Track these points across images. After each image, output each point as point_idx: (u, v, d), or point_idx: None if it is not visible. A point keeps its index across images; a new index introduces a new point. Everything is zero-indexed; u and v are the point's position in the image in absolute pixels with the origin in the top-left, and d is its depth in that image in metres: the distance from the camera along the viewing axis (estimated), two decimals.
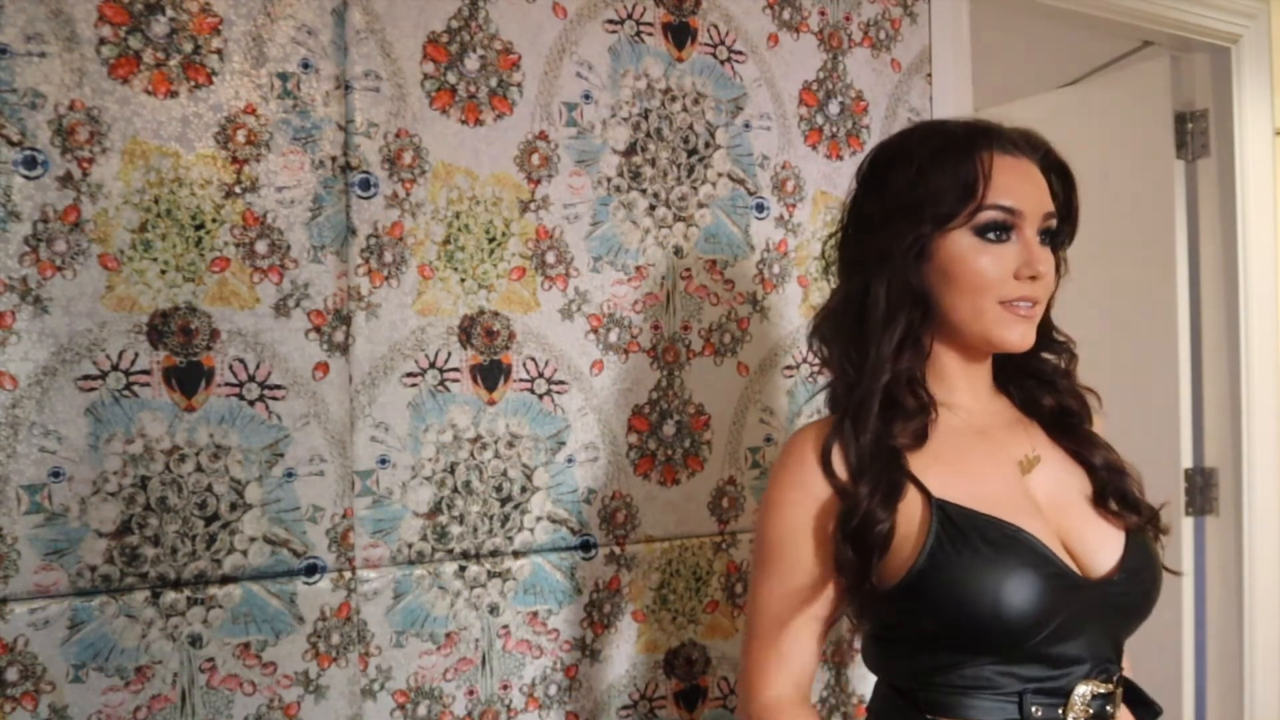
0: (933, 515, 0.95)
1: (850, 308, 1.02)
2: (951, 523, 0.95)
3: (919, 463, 0.99)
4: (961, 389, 1.05)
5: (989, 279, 0.98)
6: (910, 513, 0.96)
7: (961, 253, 0.98)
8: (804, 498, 1.00)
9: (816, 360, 1.09)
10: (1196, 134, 2.16)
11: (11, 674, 1.02)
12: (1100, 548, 0.99)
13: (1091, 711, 0.95)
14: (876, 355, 0.99)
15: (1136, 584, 0.99)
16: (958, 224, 0.97)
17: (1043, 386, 1.09)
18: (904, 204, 0.99)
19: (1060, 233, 1.05)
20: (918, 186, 0.98)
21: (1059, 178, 1.04)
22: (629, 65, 1.38)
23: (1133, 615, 1.00)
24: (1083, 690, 0.95)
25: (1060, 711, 0.94)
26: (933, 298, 1.00)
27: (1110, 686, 0.97)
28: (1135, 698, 1.03)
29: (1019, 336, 0.99)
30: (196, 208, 1.11)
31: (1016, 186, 0.98)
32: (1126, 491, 1.04)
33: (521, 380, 1.30)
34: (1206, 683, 2.16)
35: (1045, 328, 1.07)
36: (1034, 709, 0.94)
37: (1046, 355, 1.09)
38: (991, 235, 0.98)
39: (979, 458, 1.01)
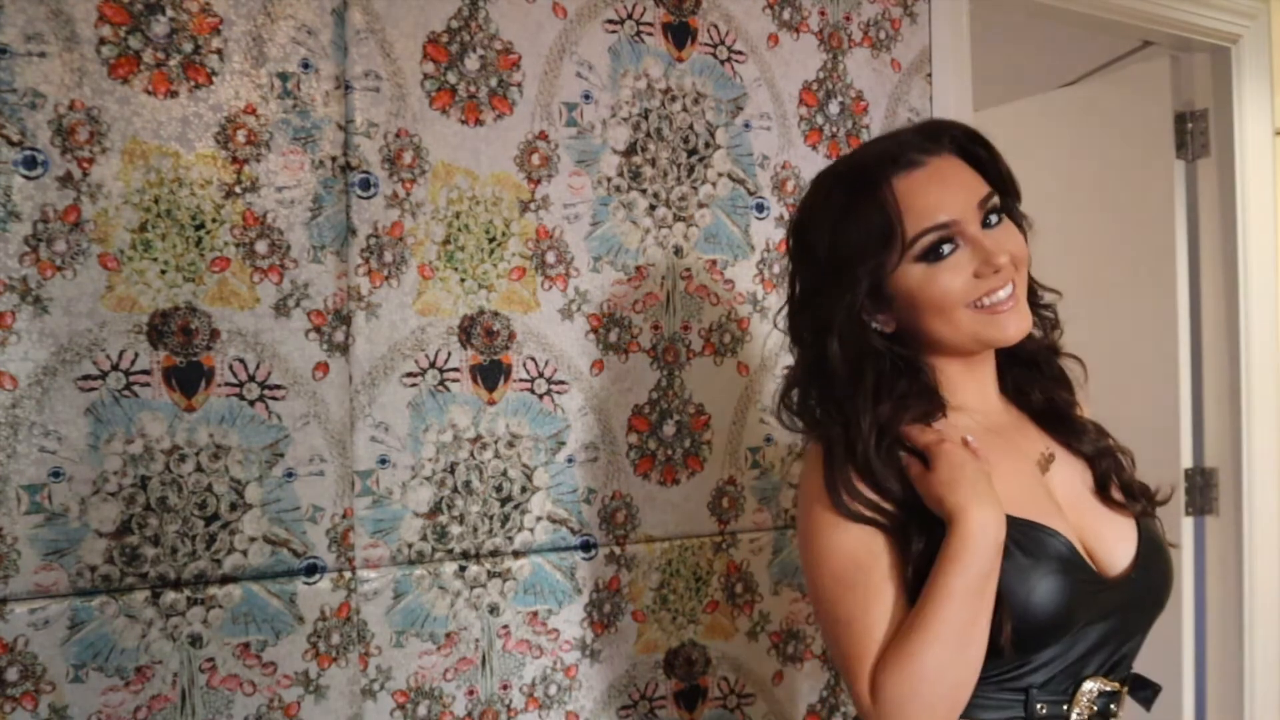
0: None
1: (812, 373, 1.01)
2: None
3: None
4: (968, 391, 1.04)
5: (953, 294, 0.95)
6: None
7: (917, 283, 0.96)
8: (846, 526, 0.96)
9: (784, 426, 1.07)
10: (1196, 134, 2.16)
11: (11, 674, 1.02)
12: (1117, 544, 0.99)
13: (1096, 709, 0.95)
14: (856, 412, 0.96)
15: (1152, 578, 0.99)
16: (894, 265, 0.95)
17: (1030, 374, 1.08)
18: (832, 269, 0.97)
19: (1007, 201, 1.01)
20: (839, 248, 0.96)
21: (980, 146, 1.00)
22: (629, 65, 1.38)
23: (1150, 609, 1.00)
24: (1089, 687, 0.95)
25: (1065, 708, 0.95)
26: (910, 327, 0.99)
27: (1117, 685, 0.97)
28: (1136, 682, 1.03)
29: (1014, 330, 0.97)
30: (196, 208, 1.11)
31: (936, 198, 0.94)
32: (1123, 476, 1.04)
33: (521, 380, 1.30)
34: (1206, 683, 2.16)
35: (1030, 298, 1.04)
36: (1039, 706, 0.94)
37: (1033, 334, 1.05)
38: (938, 254, 0.95)
39: (999, 458, 0.99)
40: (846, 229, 0.96)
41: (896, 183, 0.95)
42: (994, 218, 0.97)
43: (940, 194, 0.95)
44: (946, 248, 0.95)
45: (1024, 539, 0.93)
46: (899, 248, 0.94)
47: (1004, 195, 1.00)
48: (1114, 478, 1.03)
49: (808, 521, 0.99)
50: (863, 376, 0.97)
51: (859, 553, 0.95)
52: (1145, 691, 1.02)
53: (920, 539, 0.93)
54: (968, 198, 0.95)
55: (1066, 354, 1.09)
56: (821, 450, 0.99)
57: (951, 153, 0.98)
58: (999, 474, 0.97)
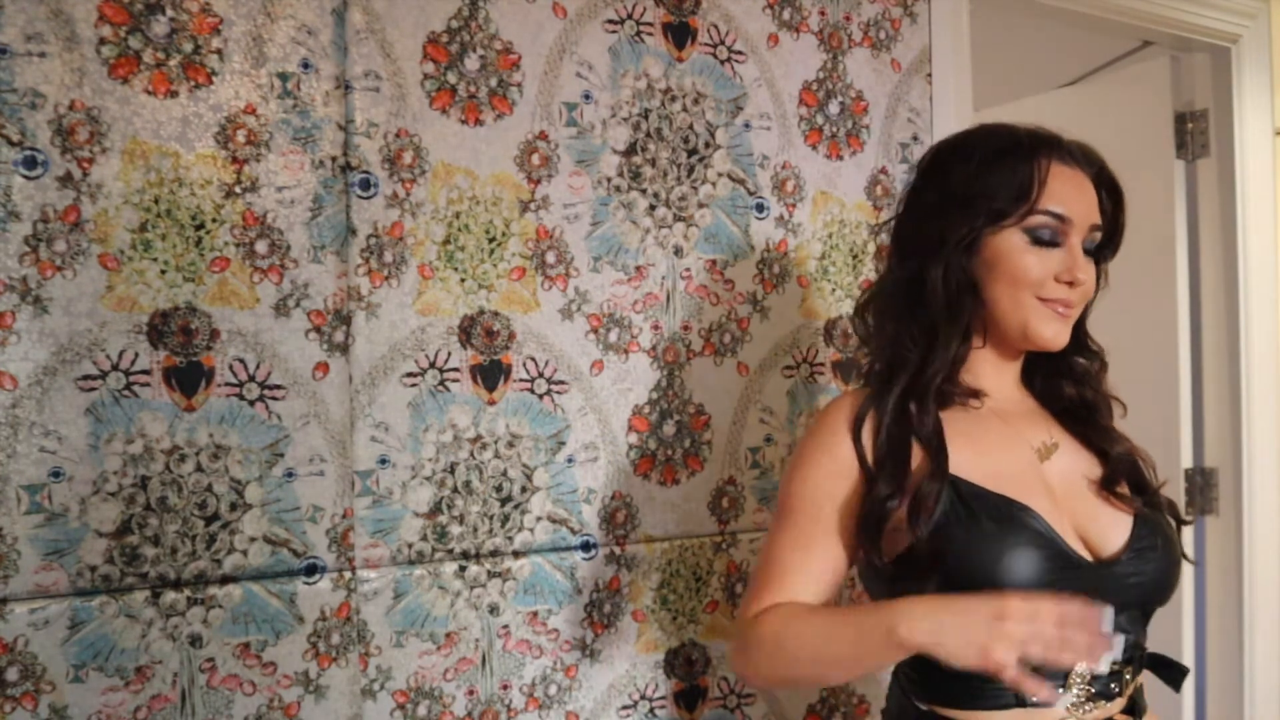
0: (944, 489, 0.98)
1: (903, 290, 1.06)
2: (961, 498, 0.97)
3: None
4: (988, 378, 1.09)
5: (1031, 276, 1.02)
6: (923, 482, 0.99)
7: (1009, 249, 1.02)
8: (830, 463, 1.03)
9: (855, 337, 1.13)
10: (1196, 134, 2.16)
11: (11, 674, 1.02)
12: (1110, 529, 1.02)
13: (1094, 690, 0.97)
14: (945, 341, 1.02)
15: (1146, 564, 1.00)
16: (1010, 223, 1.02)
17: (1069, 381, 1.12)
18: (962, 195, 1.03)
19: (1104, 246, 1.09)
20: (976, 181, 1.03)
21: (1109, 195, 1.09)
22: (629, 65, 1.38)
23: (1146, 595, 1.02)
24: (1081, 669, 0.96)
25: (1059, 690, 0.96)
26: (977, 290, 1.04)
27: (1115, 665, 0.97)
28: (1161, 663, 1.06)
29: (1053, 333, 1.04)
30: (196, 208, 1.11)
31: (1069, 195, 1.02)
32: (1138, 477, 1.07)
33: (521, 380, 1.30)
34: (1206, 683, 2.16)
35: (1080, 335, 1.12)
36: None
37: (1080, 359, 1.13)
38: (1040, 237, 1.02)
39: (995, 438, 1.04)
40: (991, 169, 1.03)
41: (1050, 163, 1.03)
42: (1091, 246, 1.06)
43: (1074, 194, 1.03)
44: (1050, 236, 1.02)
45: (996, 511, 0.97)
46: (1024, 210, 1.01)
47: (1107, 239, 1.09)
48: (1127, 477, 1.07)
49: (806, 441, 1.06)
50: (961, 311, 1.03)
51: (824, 498, 1.02)
52: (1171, 671, 1.05)
53: (889, 490, 0.98)
54: (1087, 214, 1.04)
55: (1108, 394, 1.15)
56: (870, 386, 1.07)
57: (1091, 179, 1.06)
58: (988, 452, 1.02)
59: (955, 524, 0.96)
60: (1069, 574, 0.96)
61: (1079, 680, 0.96)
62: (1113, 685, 0.98)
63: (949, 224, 1.03)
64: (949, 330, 1.03)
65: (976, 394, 1.06)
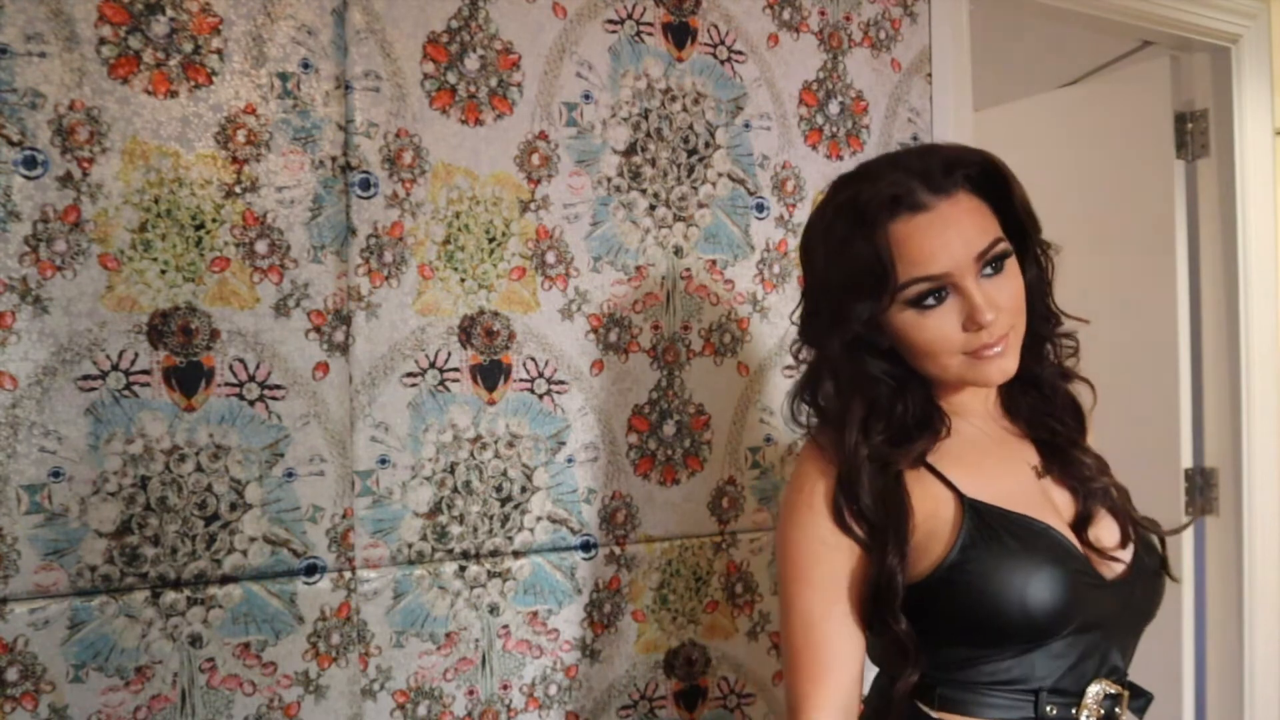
0: (965, 512, 0.96)
1: (814, 389, 1.05)
2: (982, 519, 0.96)
3: (939, 462, 1.00)
4: (968, 400, 1.05)
5: (938, 343, 0.96)
6: (942, 510, 0.97)
7: (904, 327, 0.97)
8: (819, 517, 0.99)
9: (800, 426, 1.10)
10: (1196, 134, 2.16)
11: (11, 674, 1.02)
12: (1112, 550, 1.00)
13: (1102, 712, 0.96)
14: (849, 443, 0.98)
15: (1147, 586, 1.00)
16: (885, 307, 0.95)
17: (1029, 399, 1.07)
18: (829, 299, 1.00)
19: (1015, 237, 0.99)
20: (835, 280, 0.98)
21: (998, 182, 0.98)
22: (629, 65, 1.38)
23: (1143, 617, 1.02)
24: (1096, 689, 0.96)
25: (1073, 711, 0.95)
26: (905, 358, 1.00)
27: (1119, 688, 0.97)
28: (1132, 691, 1.04)
29: (997, 373, 0.97)
30: (196, 208, 1.11)
31: (933, 249, 0.93)
32: (1115, 510, 1.03)
33: (521, 380, 1.30)
34: (1206, 683, 2.16)
35: (1047, 317, 1.05)
36: (1049, 708, 0.94)
37: (1047, 353, 1.06)
38: (926, 303, 0.95)
39: (997, 461, 1.02)
40: (842, 263, 0.97)
41: (895, 227, 0.94)
42: (991, 268, 0.95)
43: (938, 244, 0.93)
44: (935, 298, 0.95)
45: (1016, 528, 0.95)
46: (890, 291, 0.94)
47: (1017, 233, 0.99)
48: (1100, 515, 1.02)
49: (786, 508, 1.02)
50: (851, 410, 0.99)
51: (824, 569, 0.98)
52: (1139, 700, 1.03)
53: (895, 556, 0.95)
54: (965, 250, 0.94)
55: (1078, 377, 1.08)
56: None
57: (965, 189, 0.96)
58: (993, 474, 1.00)
59: (980, 546, 0.94)
60: (1093, 593, 0.95)
61: (1093, 699, 0.96)
62: (1116, 709, 0.97)
63: (825, 332, 1.00)
64: (847, 432, 0.98)
65: (937, 432, 1.00)
